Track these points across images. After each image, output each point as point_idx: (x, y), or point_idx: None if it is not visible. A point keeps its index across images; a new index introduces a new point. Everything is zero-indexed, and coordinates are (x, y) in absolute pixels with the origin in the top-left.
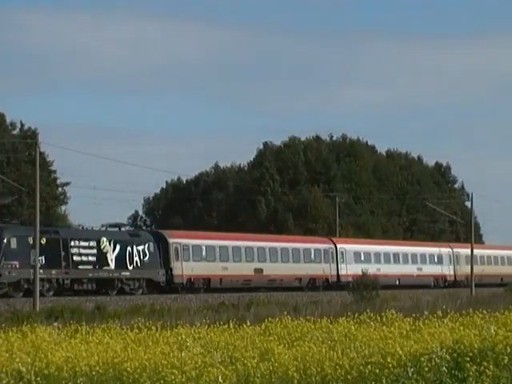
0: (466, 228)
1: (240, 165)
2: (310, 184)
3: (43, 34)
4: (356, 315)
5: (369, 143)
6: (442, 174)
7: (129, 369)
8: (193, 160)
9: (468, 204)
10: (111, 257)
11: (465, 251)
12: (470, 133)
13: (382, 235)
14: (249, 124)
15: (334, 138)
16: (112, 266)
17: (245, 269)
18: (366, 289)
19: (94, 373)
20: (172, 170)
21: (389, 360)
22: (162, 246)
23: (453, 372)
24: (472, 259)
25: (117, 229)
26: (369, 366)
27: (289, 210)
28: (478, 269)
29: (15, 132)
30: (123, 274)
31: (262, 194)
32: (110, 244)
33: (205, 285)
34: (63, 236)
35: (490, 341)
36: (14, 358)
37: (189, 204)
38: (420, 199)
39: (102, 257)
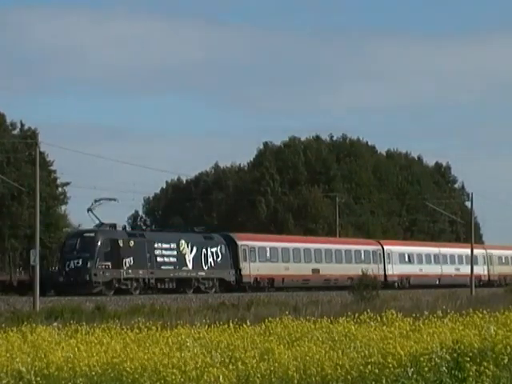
0: (466, 228)
1: (240, 165)
2: (310, 184)
3: (43, 34)
4: (356, 315)
5: (369, 143)
6: (441, 174)
7: (128, 369)
8: (193, 160)
9: (468, 204)
10: (189, 258)
11: (498, 252)
12: (470, 133)
13: (382, 235)
14: (249, 124)
15: (334, 138)
16: (190, 266)
17: (304, 269)
18: (365, 289)
19: (93, 373)
20: (172, 170)
21: (389, 360)
22: (232, 248)
23: (453, 372)
24: (472, 259)
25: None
26: (369, 366)
27: (289, 210)
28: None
29: (15, 132)
30: (199, 273)
31: (262, 193)
32: (188, 246)
33: (269, 284)
34: (148, 239)
35: (490, 341)
36: (14, 357)
37: (189, 204)
38: (420, 199)
39: (181, 258)
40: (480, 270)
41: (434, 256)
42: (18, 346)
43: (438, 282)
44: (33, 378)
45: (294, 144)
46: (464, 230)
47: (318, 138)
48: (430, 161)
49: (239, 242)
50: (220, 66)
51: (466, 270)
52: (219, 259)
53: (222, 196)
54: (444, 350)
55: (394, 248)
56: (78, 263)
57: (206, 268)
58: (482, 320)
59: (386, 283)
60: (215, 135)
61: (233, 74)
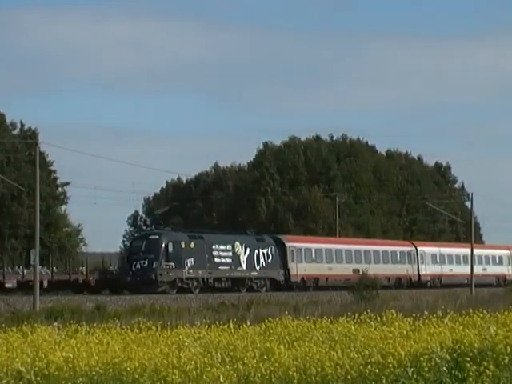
0: (466, 228)
1: (240, 165)
2: (310, 184)
3: (43, 34)
4: (356, 315)
5: (369, 143)
6: (442, 174)
7: (129, 369)
8: (193, 160)
9: (468, 204)
10: (243, 259)
11: None
12: (470, 133)
13: (382, 235)
14: (249, 124)
15: (334, 138)
16: (244, 266)
17: (345, 269)
18: (365, 289)
19: (93, 373)
20: (172, 170)
21: (389, 360)
22: (281, 249)
23: (453, 372)
24: (472, 259)
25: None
26: (369, 366)
27: (289, 210)
28: None
29: (15, 132)
30: (252, 273)
31: (262, 194)
32: (242, 247)
33: (314, 283)
34: (207, 241)
35: (490, 341)
36: (14, 357)
37: (189, 204)
38: (420, 199)
39: (236, 259)
40: (504, 270)
41: (463, 257)
42: (18, 345)
43: (466, 282)
44: (33, 378)
45: (294, 144)
46: (464, 229)
47: (318, 137)
48: (429, 161)
49: (287, 244)
50: (220, 66)
51: (492, 270)
52: (270, 260)
53: (222, 196)
54: (444, 350)
55: (426, 249)
56: (144, 264)
57: (258, 268)
58: (482, 320)
59: (420, 283)
60: (215, 135)
61: (233, 74)
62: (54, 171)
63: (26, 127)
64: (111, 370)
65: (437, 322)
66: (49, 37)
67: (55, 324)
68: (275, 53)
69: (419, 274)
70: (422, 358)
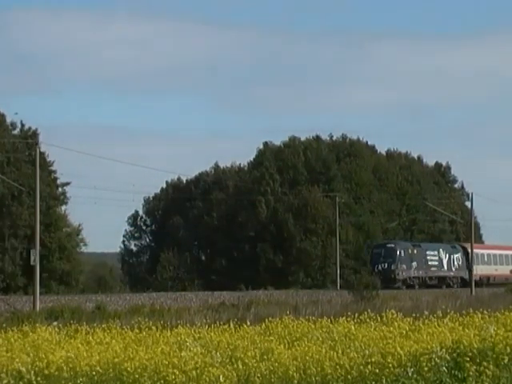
0: (466, 228)
1: (240, 165)
2: (310, 184)
3: (43, 34)
4: (356, 315)
5: (369, 143)
6: (442, 174)
7: (129, 369)
8: (193, 160)
9: (468, 204)
10: (445, 262)
11: None
12: (470, 133)
13: (381, 235)
14: (249, 124)
15: (334, 138)
16: (445, 268)
17: (506, 270)
18: (366, 289)
19: (94, 373)
20: (172, 170)
21: (389, 360)
22: (465, 254)
23: (453, 372)
24: (472, 259)
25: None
26: (369, 366)
27: (289, 210)
28: None
29: (15, 132)
30: (450, 273)
31: (262, 194)
32: (444, 253)
33: (486, 281)
34: (423, 248)
35: (490, 341)
36: (14, 357)
37: (189, 204)
38: (420, 199)
39: (440, 262)
40: None
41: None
42: (18, 345)
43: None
44: (33, 378)
45: (294, 144)
46: (464, 229)
47: (318, 137)
48: (429, 161)
49: (469, 250)
50: (220, 67)
51: None
52: (460, 263)
53: (222, 196)
54: (444, 349)
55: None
56: (384, 266)
57: (453, 269)
58: (482, 320)
59: None
60: (215, 135)
61: (233, 74)
62: (54, 171)
63: (26, 127)
64: (111, 370)
65: (437, 321)
66: (49, 37)
67: (55, 324)
68: (275, 53)
69: None
70: (421, 358)
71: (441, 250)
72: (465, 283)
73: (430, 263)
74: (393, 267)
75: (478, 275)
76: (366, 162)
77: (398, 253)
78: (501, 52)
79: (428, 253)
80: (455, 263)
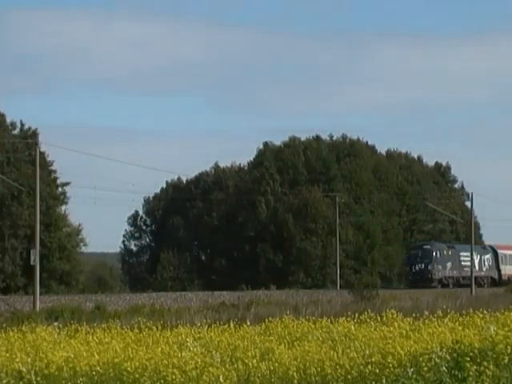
0: (466, 228)
1: (240, 165)
2: (310, 184)
3: (44, 35)
4: (356, 315)
5: (369, 143)
6: (441, 174)
7: (129, 369)
8: (193, 160)
9: (468, 204)
10: (476, 262)
11: None
12: (470, 133)
13: (381, 235)
14: (249, 124)
15: (334, 138)
16: (477, 268)
17: None
18: (366, 288)
19: (94, 373)
20: (172, 170)
21: (389, 360)
22: (494, 255)
23: (453, 372)
24: (472, 259)
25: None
26: (369, 366)
27: (289, 210)
28: None
29: (15, 132)
30: (481, 273)
31: (262, 194)
32: (475, 254)
33: None
34: (457, 249)
35: (490, 341)
36: (14, 357)
37: (189, 204)
38: (420, 199)
39: (472, 263)
40: None
41: None
42: (18, 345)
43: None
44: (33, 378)
45: (294, 144)
46: (464, 229)
47: (318, 137)
48: (429, 161)
49: (498, 251)
50: (220, 66)
51: None
52: (490, 263)
53: (222, 196)
54: (444, 349)
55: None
56: (421, 266)
57: (484, 269)
58: (482, 320)
59: None
60: (215, 135)
61: (233, 74)
62: (54, 171)
63: (26, 127)
64: (111, 370)
65: (437, 321)
66: (49, 37)
67: (55, 324)
68: (275, 53)
69: None
70: (421, 358)
71: (473, 251)
72: (494, 283)
73: (463, 264)
74: (429, 267)
75: (506, 275)
76: (366, 162)
77: (434, 254)
78: (501, 52)
79: (461, 254)
80: (486, 264)
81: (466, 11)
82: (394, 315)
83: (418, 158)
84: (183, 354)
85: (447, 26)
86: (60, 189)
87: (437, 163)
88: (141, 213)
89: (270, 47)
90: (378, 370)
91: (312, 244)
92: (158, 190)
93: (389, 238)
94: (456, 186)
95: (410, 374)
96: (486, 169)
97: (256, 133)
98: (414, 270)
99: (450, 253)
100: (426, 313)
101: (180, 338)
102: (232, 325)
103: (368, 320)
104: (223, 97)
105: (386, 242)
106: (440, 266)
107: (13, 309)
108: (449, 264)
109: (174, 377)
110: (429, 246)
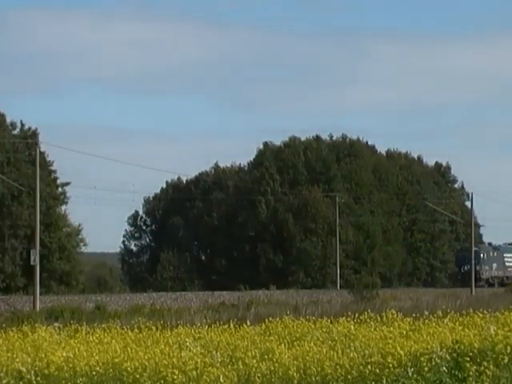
0: (466, 228)
1: (240, 165)
2: (310, 184)
3: (44, 35)
4: (356, 315)
5: (369, 143)
6: (442, 174)
7: (129, 369)
8: (193, 160)
9: (468, 204)
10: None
11: None
12: (470, 133)
13: (381, 235)
14: (249, 124)
15: (334, 138)
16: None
17: None
18: (366, 288)
19: (94, 373)
20: (172, 169)
21: (389, 360)
22: None
23: (453, 372)
24: (472, 259)
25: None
26: (369, 366)
27: (289, 210)
28: None
29: (15, 132)
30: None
31: (262, 194)
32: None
33: None
34: (502, 251)
35: (490, 341)
36: (15, 357)
37: (189, 204)
38: (420, 199)
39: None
40: None
41: None
42: (18, 345)
43: None
44: (33, 378)
45: (294, 144)
46: (464, 229)
47: (318, 137)
48: (429, 161)
49: None
50: (220, 67)
51: None
52: None
53: (222, 196)
54: (444, 350)
55: None
56: (469, 267)
57: None
58: (482, 320)
59: None
60: (215, 135)
61: (233, 74)
62: (54, 171)
63: (26, 127)
64: (111, 370)
65: (437, 321)
66: (49, 37)
67: (56, 324)
68: (275, 53)
69: None
70: (421, 358)
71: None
72: None
73: (507, 264)
74: (477, 268)
75: None
76: (365, 162)
77: (482, 255)
78: (501, 52)
79: (505, 255)
80: None
81: (466, 11)
82: (394, 315)
83: (418, 158)
84: (183, 354)
85: (447, 26)
86: (60, 189)
87: (437, 163)
88: (141, 213)
89: (270, 47)
90: (378, 370)
91: (312, 244)
92: (158, 190)
93: (389, 238)
94: (456, 186)
95: (410, 374)
96: (486, 169)
97: (256, 133)
98: (463, 271)
99: (495, 254)
100: (426, 313)
101: (180, 338)
102: (232, 325)
103: (368, 320)
104: (223, 97)
105: (386, 242)
106: (487, 267)
107: (13, 309)
108: (494, 265)
109: (173, 377)
110: (476, 248)
